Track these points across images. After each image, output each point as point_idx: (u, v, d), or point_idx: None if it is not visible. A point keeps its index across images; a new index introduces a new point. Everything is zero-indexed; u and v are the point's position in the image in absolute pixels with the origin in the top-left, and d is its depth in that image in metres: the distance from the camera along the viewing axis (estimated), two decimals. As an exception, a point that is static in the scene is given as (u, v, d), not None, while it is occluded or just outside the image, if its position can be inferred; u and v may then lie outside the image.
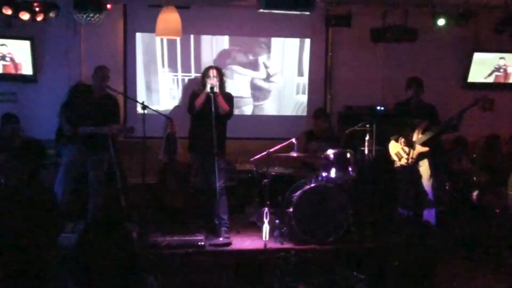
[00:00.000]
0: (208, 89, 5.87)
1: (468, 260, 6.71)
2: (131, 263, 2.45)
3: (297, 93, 7.98)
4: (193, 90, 6.24)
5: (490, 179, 6.78)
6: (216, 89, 5.86)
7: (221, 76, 6.07)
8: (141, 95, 7.44)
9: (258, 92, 7.84)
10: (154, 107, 6.26)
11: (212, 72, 6.01)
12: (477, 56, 8.13)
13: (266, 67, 7.85)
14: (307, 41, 7.90)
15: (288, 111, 7.97)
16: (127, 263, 2.44)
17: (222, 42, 7.70)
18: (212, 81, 5.91)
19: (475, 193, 6.87)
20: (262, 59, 7.82)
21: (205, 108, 5.89)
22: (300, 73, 7.95)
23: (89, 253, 2.40)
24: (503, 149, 7.50)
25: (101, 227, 2.53)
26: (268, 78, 7.86)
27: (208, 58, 7.55)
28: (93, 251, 2.40)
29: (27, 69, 7.17)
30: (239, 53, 7.72)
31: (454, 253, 6.83)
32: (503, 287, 5.57)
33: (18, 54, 7.11)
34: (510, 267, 6.08)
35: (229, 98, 6.12)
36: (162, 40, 7.41)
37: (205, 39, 7.65)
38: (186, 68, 7.63)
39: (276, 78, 7.90)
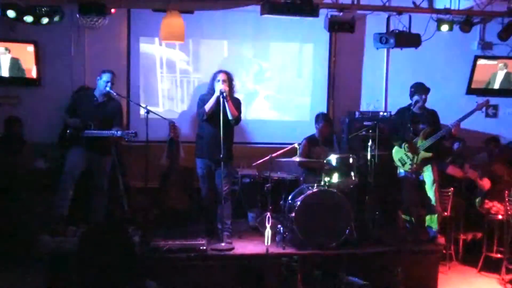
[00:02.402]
0: (218, 93, 5.83)
1: (470, 265, 6.71)
2: (132, 267, 2.44)
3: (297, 95, 7.98)
4: (201, 95, 6.19)
5: (492, 186, 6.75)
6: (226, 94, 5.82)
7: (230, 80, 6.01)
8: (140, 97, 7.43)
9: (257, 95, 7.82)
10: (153, 109, 6.24)
11: (222, 76, 5.95)
12: (481, 62, 8.12)
13: (265, 69, 7.83)
14: (307, 44, 7.90)
15: (289, 114, 7.97)
16: (129, 267, 2.43)
17: (224, 46, 7.69)
18: (222, 86, 5.88)
19: (477, 200, 6.85)
20: (261, 62, 7.82)
21: (214, 113, 5.85)
22: (299, 75, 7.96)
23: (90, 256, 2.39)
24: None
25: (102, 231, 2.52)
26: (268, 81, 7.86)
27: (209, 62, 7.55)
28: (94, 255, 2.39)
29: (31, 72, 7.18)
30: (241, 58, 7.72)
31: (457, 259, 6.83)
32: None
33: (22, 57, 7.14)
34: (510, 272, 6.06)
35: (237, 103, 6.09)
36: (161, 42, 7.38)
37: (207, 43, 7.66)
38: (188, 72, 7.64)
39: (276, 81, 7.90)
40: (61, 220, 5.83)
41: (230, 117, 5.87)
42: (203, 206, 6.32)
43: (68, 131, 6.02)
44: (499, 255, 6.48)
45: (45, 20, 6.05)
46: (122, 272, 2.39)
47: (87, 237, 2.47)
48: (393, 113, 7.10)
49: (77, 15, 4.90)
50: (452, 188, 6.70)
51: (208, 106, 5.90)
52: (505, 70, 8.14)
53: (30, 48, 7.08)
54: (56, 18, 6.16)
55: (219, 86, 5.83)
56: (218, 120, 5.70)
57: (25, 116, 7.03)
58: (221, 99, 5.76)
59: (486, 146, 7.62)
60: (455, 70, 8.16)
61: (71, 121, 5.97)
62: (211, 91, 5.94)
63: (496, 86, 8.15)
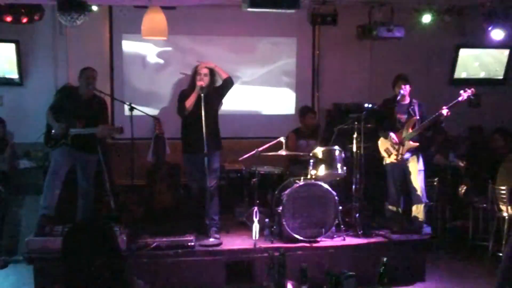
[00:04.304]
0: (198, 89, 5.83)
1: (456, 254, 6.77)
2: (118, 265, 2.43)
3: (281, 89, 7.96)
4: (182, 90, 6.20)
5: (475, 175, 6.81)
6: (207, 90, 5.85)
7: (212, 74, 6.03)
8: (124, 94, 7.39)
9: (242, 90, 7.80)
10: (141, 108, 6.23)
11: (203, 70, 5.98)
12: (463, 52, 8.18)
13: (249, 64, 7.81)
14: (291, 38, 7.90)
15: (274, 108, 7.96)
16: (114, 265, 2.42)
17: (207, 42, 7.67)
18: (202, 81, 5.88)
19: (462, 190, 6.91)
20: (245, 57, 7.80)
21: (196, 108, 5.84)
22: (284, 69, 7.95)
23: (75, 255, 2.38)
24: (491, 144, 7.52)
25: (86, 229, 2.51)
26: (252, 75, 7.85)
27: (193, 58, 7.50)
28: (78, 253, 2.38)
29: (12, 72, 7.11)
30: (225, 53, 7.69)
31: (443, 247, 6.89)
32: (488, 278, 5.61)
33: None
34: (496, 260, 6.11)
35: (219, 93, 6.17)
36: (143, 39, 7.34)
37: (190, 39, 7.63)
38: (172, 68, 7.61)
39: (260, 75, 7.88)
40: (47, 219, 5.79)
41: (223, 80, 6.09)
42: (190, 202, 6.32)
43: (53, 130, 5.98)
44: (485, 243, 6.55)
45: (25, 19, 6.00)
46: (108, 270, 2.38)
47: (71, 236, 2.46)
48: (378, 104, 7.12)
49: (57, 13, 4.84)
50: (437, 178, 6.76)
51: (188, 103, 5.90)
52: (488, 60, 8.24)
53: (11, 47, 7.01)
54: (36, 17, 6.11)
55: (200, 82, 5.84)
56: (200, 115, 5.70)
57: (8, 116, 6.96)
58: (202, 95, 5.76)
59: (470, 135, 7.68)
60: (437, 60, 8.21)
61: (55, 126, 5.91)
62: (192, 86, 5.94)
63: (481, 75, 8.24)
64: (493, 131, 7.44)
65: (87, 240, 2.39)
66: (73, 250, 2.39)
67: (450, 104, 6.12)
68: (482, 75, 8.38)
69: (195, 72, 6.00)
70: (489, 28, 6.90)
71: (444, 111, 6.06)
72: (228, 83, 6.19)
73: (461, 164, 7.02)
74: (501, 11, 6.68)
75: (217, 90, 6.15)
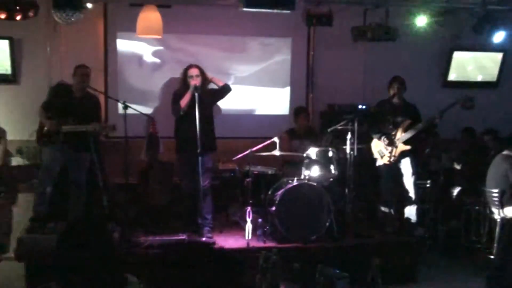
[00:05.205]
0: (192, 89, 5.84)
1: (448, 255, 6.80)
2: (112, 264, 2.44)
3: (276, 89, 7.96)
4: (175, 90, 6.20)
5: (469, 177, 6.85)
6: (200, 89, 5.86)
7: (203, 74, 6.05)
8: (118, 93, 7.36)
9: (236, 90, 7.77)
10: (135, 107, 6.21)
11: (194, 71, 5.99)
12: (457, 55, 8.21)
13: (244, 64, 7.81)
14: (286, 39, 7.91)
15: (268, 108, 7.96)
16: (109, 263, 2.42)
17: (202, 41, 7.66)
18: (195, 81, 5.89)
19: (455, 191, 6.95)
20: (240, 57, 7.80)
21: (190, 108, 5.86)
22: (278, 69, 7.95)
23: (70, 253, 2.38)
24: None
25: (81, 227, 2.50)
26: (246, 75, 7.85)
27: (188, 57, 7.50)
28: (73, 252, 2.37)
29: (6, 69, 7.07)
30: (220, 52, 7.69)
31: (436, 249, 6.92)
32: (480, 280, 5.64)
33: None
34: (488, 262, 6.15)
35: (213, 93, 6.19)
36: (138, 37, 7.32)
37: (185, 38, 7.62)
38: (166, 67, 7.59)
39: (255, 75, 7.88)
40: (39, 217, 5.77)
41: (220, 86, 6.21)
42: (183, 201, 6.31)
43: (45, 127, 5.96)
44: (477, 245, 6.58)
45: (19, 16, 5.96)
46: (102, 268, 2.38)
47: (66, 234, 2.46)
48: (372, 105, 7.14)
49: (52, 10, 4.82)
50: (430, 180, 6.79)
51: (183, 102, 5.91)
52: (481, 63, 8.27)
53: (5, 44, 6.97)
54: (31, 14, 6.07)
55: (192, 82, 5.88)
56: (194, 115, 5.71)
57: (1, 113, 6.92)
58: (196, 94, 5.77)
59: (462, 137, 7.72)
60: (431, 63, 8.23)
61: (47, 123, 5.89)
62: (185, 86, 5.95)
63: (479, 78, 8.30)
64: (482, 133, 7.48)
65: (82, 238, 2.39)
66: (68, 249, 2.39)
67: (444, 107, 6.15)
68: (479, 78, 8.40)
69: (186, 74, 6.02)
70: (485, 31, 6.94)
71: (438, 114, 6.09)
72: (225, 90, 6.28)
73: (457, 166, 7.05)
74: (499, 14, 6.72)
75: (213, 93, 6.18)
